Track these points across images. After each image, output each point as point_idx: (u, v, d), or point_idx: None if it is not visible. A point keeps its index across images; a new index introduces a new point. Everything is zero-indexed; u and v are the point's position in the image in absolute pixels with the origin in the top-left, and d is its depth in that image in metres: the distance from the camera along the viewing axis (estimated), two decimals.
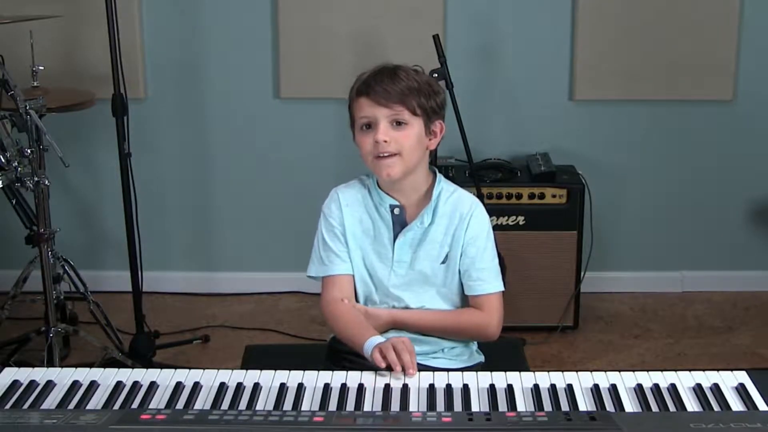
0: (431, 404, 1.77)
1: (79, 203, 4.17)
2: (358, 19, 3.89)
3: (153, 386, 1.82)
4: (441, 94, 2.21)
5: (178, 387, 1.81)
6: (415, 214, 2.22)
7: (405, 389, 1.82)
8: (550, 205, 3.69)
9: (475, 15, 3.92)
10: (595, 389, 1.81)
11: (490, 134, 3.99)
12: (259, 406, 1.76)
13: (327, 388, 1.81)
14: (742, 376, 1.85)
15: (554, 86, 4.00)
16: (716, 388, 1.80)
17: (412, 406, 1.77)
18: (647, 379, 1.84)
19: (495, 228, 2.32)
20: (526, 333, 3.71)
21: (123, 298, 3.65)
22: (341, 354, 2.24)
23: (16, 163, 3.05)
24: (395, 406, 1.77)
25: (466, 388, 1.80)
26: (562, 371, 1.87)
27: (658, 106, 4.01)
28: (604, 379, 1.84)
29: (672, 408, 1.74)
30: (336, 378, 1.85)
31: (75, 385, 1.81)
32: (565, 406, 1.76)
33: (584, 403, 1.77)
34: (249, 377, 1.85)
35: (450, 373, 1.89)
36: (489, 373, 1.87)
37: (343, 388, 1.81)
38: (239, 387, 1.81)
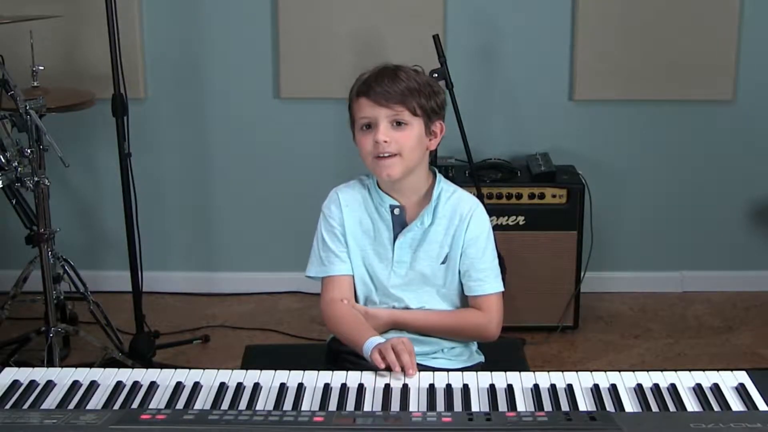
0: (431, 404, 1.77)
1: (79, 203, 4.17)
2: (358, 19, 3.89)
3: (153, 386, 1.82)
4: (441, 95, 2.21)
5: (178, 387, 1.81)
6: (415, 214, 2.22)
7: (405, 389, 1.82)
8: (550, 205, 3.69)
9: (475, 15, 3.92)
10: (595, 389, 1.81)
11: (490, 134, 3.99)
12: (259, 406, 1.76)
13: (327, 388, 1.81)
14: (742, 376, 1.85)
15: (554, 86, 4.00)
16: (716, 388, 1.80)
17: (412, 406, 1.77)
18: (647, 379, 1.84)
19: (495, 228, 2.32)
20: (526, 333, 3.71)
21: (123, 298, 3.65)
22: (341, 354, 2.24)
23: (16, 163, 3.05)
24: (395, 406, 1.77)
25: (466, 388, 1.80)
26: (562, 371, 1.87)
27: (658, 106, 4.01)
28: (604, 379, 1.84)
29: (672, 408, 1.74)
30: (336, 378, 1.84)
31: (75, 385, 1.81)
32: (565, 406, 1.76)
33: (584, 403, 1.77)
34: (249, 377, 1.85)
35: (450, 373, 1.89)
36: (489, 373, 1.87)
37: (343, 388, 1.81)
38: (239, 387, 1.81)
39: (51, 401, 1.77)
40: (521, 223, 3.68)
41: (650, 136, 4.05)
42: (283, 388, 1.81)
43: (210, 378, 1.85)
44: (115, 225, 3.77)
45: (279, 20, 3.91)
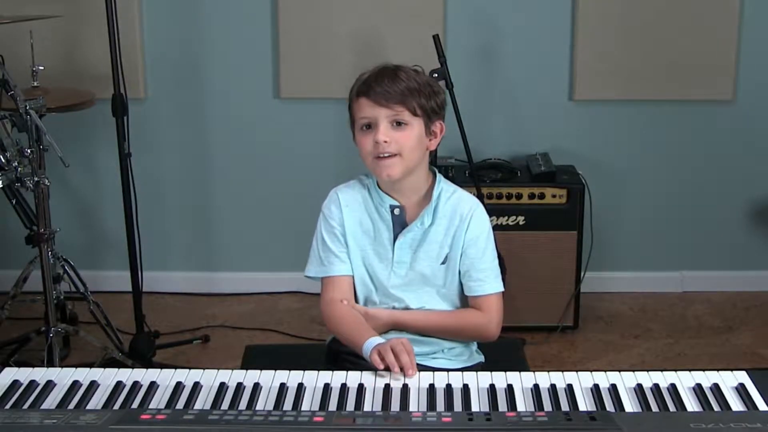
0: (431, 404, 1.77)
1: (79, 203, 4.17)
2: (358, 19, 3.89)
3: (153, 386, 1.82)
4: (441, 95, 2.21)
5: (178, 387, 1.81)
6: (415, 214, 2.22)
7: (405, 389, 1.82)
8: (550, 205, 3.69)
9: (475, 15, 3.92)
10: (595, 389, 1.81)
11: (490, 134, 3.99)
12: (259, 406, 1.76)
13: (327, 388, 1.81)
14: (742, 376, 1.85)
15: (554, 86, 4.00)
16: (716, 388, 1.80)
17: (412, 406, 1.77)
18: (647, 379, 1.84)
19: (495, 228, 2.32)
20: (526, 333, 3.71)
21: (123, 298, 3.65)
22: (341, 355, 2.24)
23: (16, 163, 3.05)
24: (395, 406, 1.77)
25: (466, 388, 1.80)
26: (562, 371, 1.87)
27: (658, 106, 4.01)
28: (604, 379, 1.84)
29: (672, 408, 1.74)
30: (336, 378, 1.84)
31: (75, 385, 1.81)
32: (565, 406, 1.76)
33: (584, 403, 1.77)
34: (249, 377, 1.85)
35: (450, 373, 1.89)
36: (489, 373, 1.87)
37: (343, 388, 1.81)
38: (239, 387, 1.81)
39: (51, 401, 1.77)
40: (521, 223, 3.68)
41: (650, 136, 4.05)
42: (283, 388, 1.81)
43: (210, 378, 1.85)
44: (115, 225, 3.77)
45: (279, 20, 3.91)
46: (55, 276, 3.28)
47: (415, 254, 2.22)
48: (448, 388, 1.80)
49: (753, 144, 4.06)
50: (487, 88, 3.99)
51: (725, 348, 3.71)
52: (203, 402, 1.78)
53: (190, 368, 1.93)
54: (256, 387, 1.81)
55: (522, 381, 1.84)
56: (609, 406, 1.75)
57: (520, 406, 1.76)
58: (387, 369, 1.89)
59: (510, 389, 1.81)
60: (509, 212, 3.67)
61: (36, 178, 3.05)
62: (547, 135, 4.02)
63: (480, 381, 1.84)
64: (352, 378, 1.85)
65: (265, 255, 4.20)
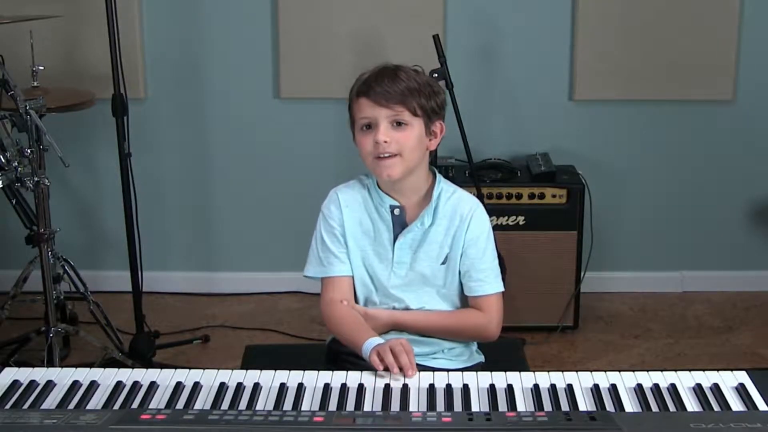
0: (431, 404, 1.77)
1: (79, 203, 4.17)
2: (358, 19, 3.89)
3: (153, 386, 1.82)
4: (441, 95, 2.21)
5: (178, 387, 1.81)
6: (415, 214, 2.22)
7: (405, 389, 1.82)
8: (550, 205, 3.69)
9: (475, 15, 3.92)
10: (595, 389, 1.81)
11: (490, 134, 3.99)
12: (259, 406, 1.76)
13: (327, 388, 1.81)
14: (742, 376, 1.85)
15: (554, 86, 4.00)
16: (716, 388, 1.80)
17: (412, 406, 1.77)
18: (647, 379, 1.84)
19: (495, 228, 2.32)
20: (526, 333, 3.71)
21: (123, 298, 3.65)
22: (341, 355, 2.24)
23: (16, 163, 3.05)
24: (395, 406, 1.77)
25: (466, 388, 1.80)
26: (562, 371, 1.87)
27: (658, 106, 4.01)
28: (604, 379, 1.84)
29: (672, 408, 1.74)
30: (336, 378, 1.85)
31: (75, 385, 1.81)
32: (565, 406, 1.76)
33: (584, 403, 1.77)
34: (249, 377, 1.85)
35: (450, 373, 1.89)
36: (489, 373, 1.87)
37: (343, 388, 1.81)
38: (239, 387, 1.81)
39: (51, 401, 1.77)
40: (521, 223, 3.68)
41: (650, 136, 4.05)
42: (283, 388, 1.81)
43: (210, 378, 1.85)
44: (115, 225, 3.77)
45: (279, 20, 3.91)
46: (55, 276, 3.28)
47: (415, 254, 2.22)
48: (448, 388, 1.80)
49: (753, 144, 4.06)
50: (487, 88, 3.99)
51: (725, 348, 3.71)
52: (203, 402, 1.78)
53: (190, 368, 1.93)
54: (256, 387, 1.81)
55: (522, 381, 1.84)
56: (609, 406, 1.75)
57: (520, 406, 1.76)
58: (386, 370, 1.89)
59: (510, 389, 1.81)
60: (509, 212, 3.67)
61: (36, 178, 3.05)
62: (547, 135, 4.02)
63: (480, 381, 1.84)
64: (352, 378, 1.85)
65: (265, 255, 4.20)
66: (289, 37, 3.92)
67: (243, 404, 1.77)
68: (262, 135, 4.07)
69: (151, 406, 1.75)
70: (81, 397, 1.77)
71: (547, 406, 1.76)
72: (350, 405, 1.76)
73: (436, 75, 3.23)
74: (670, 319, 3.96)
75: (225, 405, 1.76)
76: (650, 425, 1.59)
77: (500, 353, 2.40)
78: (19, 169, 3.05)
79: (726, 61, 3.93)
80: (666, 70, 3.94)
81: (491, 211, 2.43)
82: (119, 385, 1.82)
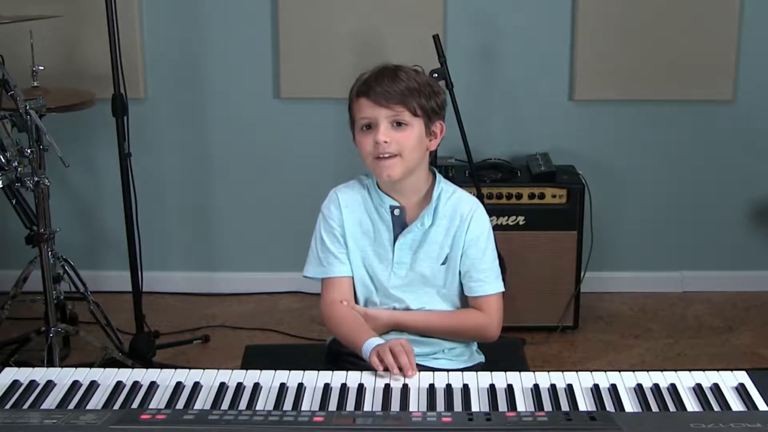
0: (431, 404, 1.77)
1: (79, 203, 4.17)
2: (358, 19, 3.89)
3: (153, 386, 1.82)
4: (441, 95, 2.21)
5: (178, 387, 1.81)
6: (415, 215, 2.22)
7: (405, 389, 1.82)
8: (550, 205, 3.69)
9: (475, 15, 3.92)
10: (595, 389, 1.81)
11: (490, 134, 3.99)
12: (259, 406, 1.76)
13: (327, 388, 1.81)
14: (742, 376, 1.85)
15: (554, 86, 4.00)
16: (716, 388, 1.80)
17: (412, 406, 1.77)
18: (647, 379, 1.84)
19: (495, 228, 2.32)
20: (526, 333, 3.71)
21: (123, 298, 3.65)
22: (341, 355, 2.24)
23: (16, 163, 3.05)
24: (395, 406, 1.77)
25: (466, 388, 1.80)
26: (562, 371, 1.87)
27: (658, 106, 4.01)
28: (604, 379, 1.84)
29: (672, 408, 1.74)
30: (336, 378, 1.85)
31: (75, 385, 1.81)
32: (565, 406, 1.76)
33: (584, 403, 1.77)
34: (249, 377, 1.85)
35: (450, 373, 1.89)
36: (489, 373, 1.87)
37: (343, 388, 1.81)
38: (239, 387, 1.81)
39: (51, 401, 1.77)
40: (521, 223, 3.68)
41: (650, 136, 4.05)
42: (283, 388, 1.81)
43: (210, 378, 1.85)
44: (115, 225, 3.77)
45: (279, 20, 3.91)
46: (55, 276, 3.28)
47: (416, 255, 2.22)
48: (448, 388, 1.80)
49: (753, 144, 4.06)
50: (487, 88, 3.99)
51: (725, 348, 3.71)
52: (203, 402, 1.78)
53: (190, 368, 1.93)
54: (256, 387, 1.81)
55: (522, 381, 1.84)
56: (609, 406, 1.75)
57: (520, 406, 1.76)
58: (386, 370, 1.89)
59: (510, 389, 1.81)
60: (509, 212, 3.67)
61: (36, 178, 3.05)
62: (547, 135, 4.02)
63: (480, 381, 1.84)
64: (352, 378, 1.85)
65: (265, 255, 4.20)
66: (289, 37, 3.92)
67: (243, 404, 1.76)
68: (262, 135, 4.07)
69: (151, 406, 1.75)
70: (81, 397, 1.77)
71: (547, 406, 1.76)
72: (350, 405, 1.76)
73: (436, 75, 3.23)
74: (670, 319, 3.96)
75: (225, 405, 1.76)
76: (650, 425, 1.59)
77: (500, 353, 2.40)
78: (19, 169, 3.05)
79: (726, 61, 3.93)
80: (666, 70, 3.94)
81: (491, 211, 2.43)
82: (119, 385, 1.82)
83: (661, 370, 1.87)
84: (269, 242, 4.18)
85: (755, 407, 1.74)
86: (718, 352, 3.67)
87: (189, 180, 4.14)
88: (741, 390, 1.80)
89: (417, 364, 1.91)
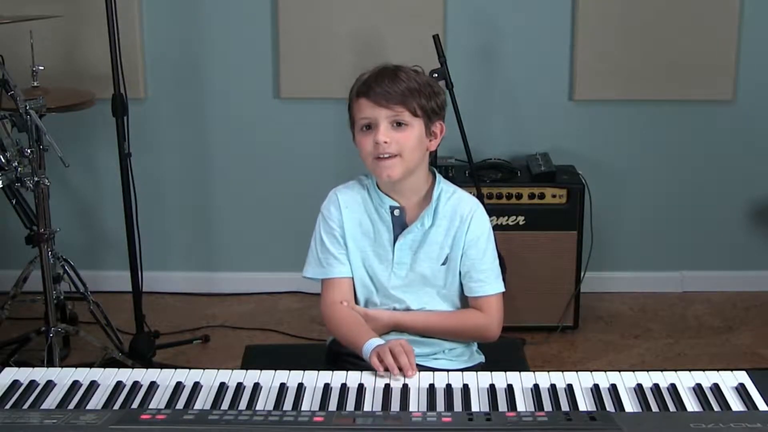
0: (431, 404, 1.77)
1: (79, 203, 4.17)
2: (358, 19, 3.89)
3: (153, 386, 1.82)
4: (441, 95, 2.21)
5: (178, 387, 1.81)
6: (415, 215, 2.22)
7: (405, 389, 1.82)
8: (550, 205, 3.69)
9: (475, 15, 3.92)
10: (595, 389, 1.81)
11: (490, 134, 3.99)
12: (259, 406, 1.76)
13: (327, 388, 1.81)
14: (742, 376, 1.85)
15: (554, 86, 4.00)
16: (716, 388, 1.81)
17: (412, 406, 1.77)
18: (647, 379, 1.84)
19: (495, 228, 2.32)
20: (526, 333, 3.71)
21: (123, 298, 3.65)
22: (341, 356, 2.24)
23: (16, 163, 3.05)
24: (395, 406, 1.77)
25: (466, 388, 1.80)
26: (562, 371, 1.87)
27: (658, 106, 4.01)
28: (604, 379, 1.84)
29: (672, 408, 1.74)
30: (336, 378, 1.85)
31: (75, 385, 1.81)
32: (565, 406, 1.76)
33: (584, 403, 1.77)
34: (249, 377, 1.85)
35: (450, 373, 1.89)
36: (489, 373, 1.87)
37: (343, 388, 1.81)
38: (239, 387, 1.81)
39: (51, 401, 1.77)
40: (521, 223, 3.68)
41: (650, 136, 4.05)
42: (283, 388, 1.81)
43: (210, 378, 1.85)
44: (115, 225, 3.77)
45: (279, 20, 3.91)
46: (55, 276, 3.28)
47: (416, 255, 2.21)
48: (448, 388, 1.80)
49: (753, 144, 4.06)
50: (487, 88, 3.99)
51: (725, 348, 3.71)
52: (203, 402, 1.78)
53: (190, 368, 1.93)
54: (256, 387, 1.81)
55: (522, 381, 1.84)
56: (609, 406, 1.75)
57: (520, 406, 1.77)
58: (386, 370, 1.89)
59: (510, 389, 1.81)
60: (509, 212, 3.67)
61: (36, 178, 3.05)
62: (547, 135, 4.02)
63: (480, 381, 1.84)
64: (352, 378, 1.85)
65: (265, 255, 4.20)
66: (289, 37, 3.92)
67: (243, 404, 1.76)
68: (262, 135, 4.07)
69: (151, 406, 1.75)
70: (81, 397, 1.77)
71: (547, 406, 1.76)
72: (350, 405, 1.76)
73: (436, 75, 3.23)
74: (670, 319, 3.96)
75: (225, 405, 1.76)
76: (650, 425, 1.59)
77: (500, 353, 2.40)
78: (19, 169, 3.05)
79: (726, 61, 3.93)
80: (666, 70, 3.94)
81: (491, 211, 2.43)
82: (119, 385, 1.82)
83: (661, 370, 1.87)
84: (269, 242, 4.18)
85: (755, 407, 1.74)
86: (718, 352, 3.67)
87: (189, 180, 4.15)
88: (741, 390, 1.80)
89: (417, 365, 1.91)
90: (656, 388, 1.80)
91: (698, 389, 1.80)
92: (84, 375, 1.85)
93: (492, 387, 1.82)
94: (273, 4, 3.91)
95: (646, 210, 4.14)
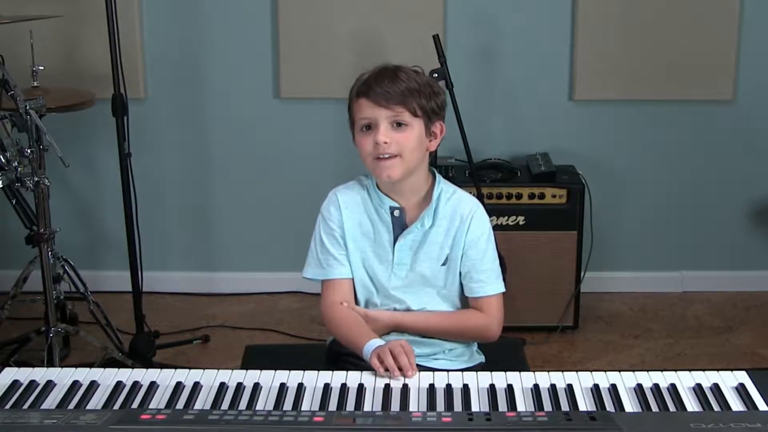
0: (431, 404, 1.77)
1: (79, 203, 4.17)
2: (358, 19, 3.89)
3: (153, 386, 1.82)
4: (441, 95, 2.20)
5: (178, 387, 1.81)
6: (415, 215, 2.22)
7: (405, 389, 1.82)
8: (550, 205, 3.69)
9: (475, 15, 3.92)
10: (595, 389, 1.81)
11: (490, 134, 3.99)
12: (259, 406, 1.76)
13: (327, 388, 1.81)
14: (742, 376, 1.85)
15: (554, 86, 4.00)
16: (716, 388, 1.81)
17: (412, 406, 1.77)
18: (647, 379, 1.84)
19: (495, 228, 2.32)
20: (526, 333, 3.71)
21: (123, 298, 3.65)
22: (341, 356, 2.24)
23: (16, 163, 3.05)
24: (395, 406, 1.77)
25: (466, 388, 1.81)
26: (562, 371, 1.87)
27: (658, 106, 4.01)
28: (604, 379, 1.84)
29: (672, 408, 1.74)
30: (336, 378, 1.85)
31: (75, 385, 1.81)
32: (565, 406, 1.76)
33: (584, 403, 1.77)
34: (249, 377, 1.85)
35: (450, 373, 1.89)
36: (489, 373, 1.87)
37: (343, 388, 1.81)
38: (239, 387, 1.81)
39: (51, 401, 1.77)
40: (521, 223, 3.68)
41: (650, 136, 4.05)
42: (283, 388, 1.81)
43: (210, 378, 1.85)
44: (115, 225, 3.77)
45: (279, 20, 3.91)
46: (55, 276, 3.28)
47: (416, 256, 2.21)
48: (448, 388, 1.80)
49: (753, 144, 4.06)
50: (487, 88, 3.99)
51: (725, 348, 3.71)
52: (203, 402, 1.78)
53: (190, 368, 1.93)
54: (256, 387, 1.81)
55: (522, 381, 1.84)
56: (609, 406, 1.75)
57: (520, 406, 1.77)
58: (387, 370, 1.89)
59: (510, 389, 1.81)
60: (509, 212, 3.67)
61: (36, 178, 3.05)
62: (547, 135, 4.02)
63: (480, 381, 1.84)
64: (352, 378, 1.85)
65: (265, 255, 4.20)
66: (289, 37, 3.92)
67: (243, 404, 1.77)
68: (262, 135, 4.07)
69: (151, 406, 1.75)
70: (81, 397, 1.77)
71: (547, 406, 1.76)
72: (350, 405, 1.76)
73: (436, 75, 3.23)
74: (670, 319, 3.96)
75: (225, 405, 1.76)
76: (650, 425, 1.59)
77: (500, 353, 2.40)
78: (19, 169, 3.05)
79: (726, 61, 3.93)
80: (666, 70, 3.94)
81: (491, 211, 2.43)
82: (119, 385, 1.82)
83: (661, 370, 1.87)
84: (269, 242, 4.18)
85: (755, 407, 1.74)
86: (718, 352, 3.67)
87: (189, 180, 4.15)
88: (741, 390, 1.80)
89: (417, 365, 1.91)
90: (656, 388, 1.80)
91: (698, 389, 1.80)
92: (84, 375, 1.85)
93: (492, 387, 1.82)
94: (273, 4, 3.91)
95: (646, 210, 4.14)
